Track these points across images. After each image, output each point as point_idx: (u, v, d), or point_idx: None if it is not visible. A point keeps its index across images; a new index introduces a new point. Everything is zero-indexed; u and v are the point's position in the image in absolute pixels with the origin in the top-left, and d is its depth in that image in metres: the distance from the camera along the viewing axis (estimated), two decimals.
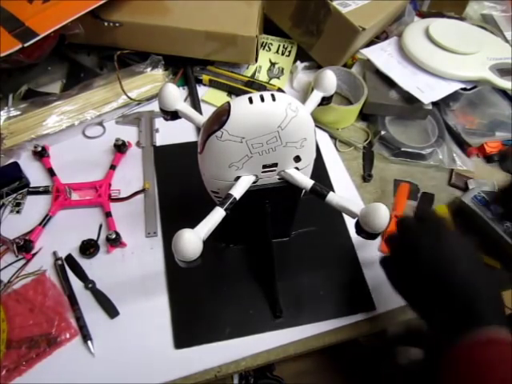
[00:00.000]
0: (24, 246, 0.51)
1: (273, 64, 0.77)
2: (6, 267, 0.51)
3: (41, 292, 0.50)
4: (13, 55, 0.55)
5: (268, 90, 0.67)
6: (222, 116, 0.35)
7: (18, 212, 0.56)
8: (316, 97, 0.47)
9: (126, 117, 0.68)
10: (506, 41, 0.84)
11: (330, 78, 0.47)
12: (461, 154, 0.69)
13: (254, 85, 0.71)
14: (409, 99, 0.68)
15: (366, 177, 0.64)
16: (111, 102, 0.66)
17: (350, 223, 0.58)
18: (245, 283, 0.52)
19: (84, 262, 0.52)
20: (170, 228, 0.54)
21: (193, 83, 0.72)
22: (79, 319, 0.48)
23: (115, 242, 0.53)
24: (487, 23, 0.89)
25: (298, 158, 0.39)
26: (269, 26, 0.76)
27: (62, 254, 0.53)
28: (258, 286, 0.52)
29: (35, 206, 0.57)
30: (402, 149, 0.66)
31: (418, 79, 0.69)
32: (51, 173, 0.59)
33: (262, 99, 0.34)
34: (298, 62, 0.75)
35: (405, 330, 0.48)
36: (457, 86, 0.69)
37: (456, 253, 0.39)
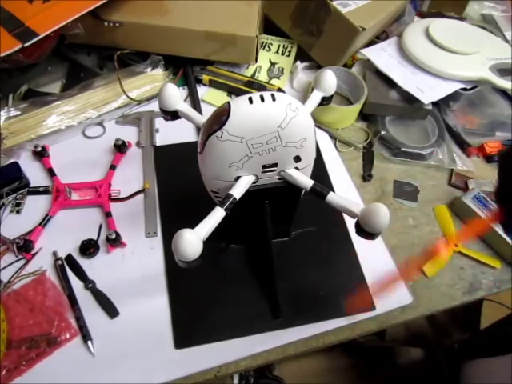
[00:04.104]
0: (24, 246, 0.51)
1: (273, 64, 0.77)
2: (6, 267, 0.51)
3: (41, 292, 0.50)
4: (13, 55, 0.55)
5: (268, 90, 0.67)
6: (221, 116, 0.35)
7: (18, 212, 0.56)
8: (316, 97, 0.47)
9: (126, 117, 0.68)
10: (506, 41, 0.84)
11: (330, 78, 0.47)
12: (461, 154, 0.69)
13: (254, 85, 0.71)
14: (409, 99, 0.68)
15: (366, 177, 0.64)
16: (111, 102, 0.66)
17: (350, 223, 0.58)
18: (245, 283, 0.52)
19: (84, 262, 0.52)
20: (170, 228, 0.54)
21: (193, 83, 0.72)
22: (79, 319, 0.48)
23: (115, 242, 0.53)
24: (487, 23, 0.89)
25: (298, 158, 0.39)
26: (269, 26, 0.76)
27: (62, 254, 0.53)
28: (257, 285, 0.52)
29: (35, 206, 0.57)
30: (402, 149, 0.66)
31: (418, 79, 0.69)
32: (51, 173, 0.59)
33: (262, 99, 0.34)
34: (298, 62, 0.75)
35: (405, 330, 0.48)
36: (457, 86, 0.69)
37: None
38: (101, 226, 0.55)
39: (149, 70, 0.70)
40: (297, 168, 0.40)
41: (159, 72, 0.71)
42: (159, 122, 0.67)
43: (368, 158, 0.67)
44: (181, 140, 0.65)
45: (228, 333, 0.49)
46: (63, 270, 0.51)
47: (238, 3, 0.69)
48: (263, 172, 0.40)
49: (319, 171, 0.63)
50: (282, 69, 0.76)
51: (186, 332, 0.49)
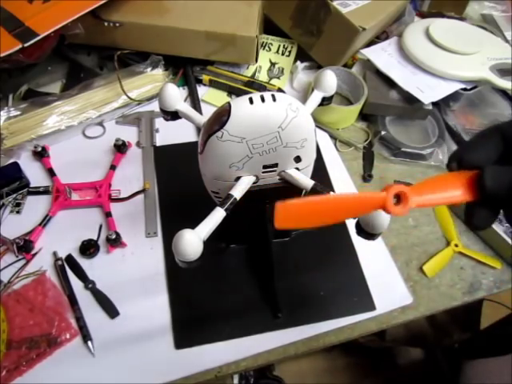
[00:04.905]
0: (24, 246, 0.51)
1: (273, 64, 0.77)
2: (6, 267, 0.51)
3: (41, 292, 0.50)
4: (13, 55, 0.55)
5: (268, 90, 0.67)
6: (222, 116, 0.35)
7: (18, 212, 0.56)
8: (316, 97, 0.47)
9: (126, 117, 0.68)
10: (506, 41, 0.84)
11: (330, 78, 0.47)
12: None
13: (254, 85, 0.71)
14: (409, 99, 0.68)
15: (366, 177, 0.64)
16: (111, 102, 0.66)
17: (350, 223, 0.58)
18: (245, 283, 0.52)
19: (84, 262, 0.52)
20: (170, 228, 0.54)
21: (193, 83, 0.72)
22: (79, 319, 0.48)
23: (115, 242, 0.52)
24: (487, 23, 0.89)
25: (298, 159, 0.39)
26: (269, 26, 0.76)
27: (62, 254, 0.53)
28: (258, 286, 0.52)
29: (35, 206, 0.57)
30: (402, 149, 0.66)
31: (418, 79, 0.69)
32: (51, 173, 0.59)
33: (263, 99, 0.34)
34: (298, 62, 0.75)
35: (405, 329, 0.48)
36: (457, 86, 0.69)
37: None
38: (101, 226, 0.55)
39: (149, 70, 0.70)
40: (297, 168, 0.40)
41: (159, 72, 0.71)
42: (159, 122, 0.67)
43: (368, 158, 0.67)
44: (181, 140, 0.65)
45: (228, 333, 0.49)
46: (63, 270, 0.51)
47: (238, 3, 0.69)
48: (264, 172, 0.40)
49: (319, 171, 0.63)
50: (282, 69, 0.76)
51: (186, 332, 0.49)
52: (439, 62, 0.70)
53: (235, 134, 0.35)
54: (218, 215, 0.37)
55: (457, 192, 0.24)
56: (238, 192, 0.39)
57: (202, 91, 0.72)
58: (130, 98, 0.67)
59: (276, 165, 0.39)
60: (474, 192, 0.24)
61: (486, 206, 0.24)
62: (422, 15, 0.86)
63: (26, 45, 0.55)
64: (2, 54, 0.54)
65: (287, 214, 0.26)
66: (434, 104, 0.69)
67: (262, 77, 0.75)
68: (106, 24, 0.65)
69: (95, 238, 0.54)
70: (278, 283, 0.51)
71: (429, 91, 0.67)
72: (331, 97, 0.49)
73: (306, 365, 1.07)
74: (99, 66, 0.73)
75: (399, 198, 0.24)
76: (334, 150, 0.67)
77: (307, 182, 0.40)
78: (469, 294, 0.55)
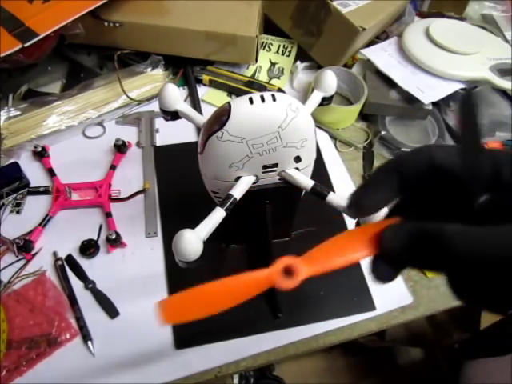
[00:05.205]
0: (24, 246, 0.51)
1: (273, 64, 0.77)
2: (6, 267, 0.51)
3: (41, 292, 0.50)
4: (13, 55, 0.55)
5: (268, 90, 0.67)
6: (222, 116, 0.35)
7: (18, 212, 0.56)
8: (316, 97, 0.47)
9: (126, 117, 0.68)
10: (506, 41, 0.84)
11: (330, 78, 0.47)
12: None
13: (254, 85, 0.71)
14: (409, 99, 0.68)
15: (367, 177, 0.64)
16: (111, 102, 0.66)
17: (350, 223, 0.58)
18: None
19: (84, 262, 0.52)
20: (170, 228, 0.54)
21: (193, 83, 0.72)
22: (79, 319, 0.48)
23: (115, 242, 0.53)
24: (487, 23, 0.89)
25: (298, 159, 0.39)
26: (269, 26, 0.76)
27: (62, 254, 0.53)
28: None
29: (35, 206, 0.57)
30: (403, 149, 0.66)
31: (418, 79, 0.69)
32: (51, 173, 0.59)
33: (263, 99, 0.34)
34: (298, 62, 0.75)
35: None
36: (457, 86, 0.69)
37: None
38: (101, 227, 0.55)
39: (149, 70, 0.70)
40: (297, 168, 0.40)
41: (159, 72, 0.71)
42: (159, 122, 0.67)
43: (368, 158, 0.67)
44: (181, 140, 0.65)
45: (228, 333, 0.49)
46: (63, 270, 0.51)
47: (238, 3, 0.69)
48: (264, 172, 0.40)
49: (319, 171, 0.63)
50: (282, 69, 0.76)
51: (186, 332, 0.48)
52: (439, 62, 0.70)
53: (235, 134, 0.35)
54: (218, 215, 0.37)
55: (358, 252, 0.23)
56: (237, 192, 0.39)
57: (202, 91, 0.72)
58: (130, 98, 0.67)
59: (276, 165, 0.39)
60: (375, 248, 0.23)
61: (387, 262, 0.23)
62: (422, 15, 0.86)
63: (26, 45, 0.55)
64: (2, 54, 0.54)
65: (172, 309, 0.25)
66: (434, 104, 0.69)
67: (262, 77, 0.75)
68: (105, 24, 0.65)
69: (95, 238, 0.54)
70: None
71: (429, 91, 0.67)
72: (331, 97, 0.49)
73: (306, 365, 1.07)
74: (99, 66, 0.73)
75: (290, 270, 0.23)
76: (334, 150, 0.67)
77: (307, 182, 0.40)
78: None
